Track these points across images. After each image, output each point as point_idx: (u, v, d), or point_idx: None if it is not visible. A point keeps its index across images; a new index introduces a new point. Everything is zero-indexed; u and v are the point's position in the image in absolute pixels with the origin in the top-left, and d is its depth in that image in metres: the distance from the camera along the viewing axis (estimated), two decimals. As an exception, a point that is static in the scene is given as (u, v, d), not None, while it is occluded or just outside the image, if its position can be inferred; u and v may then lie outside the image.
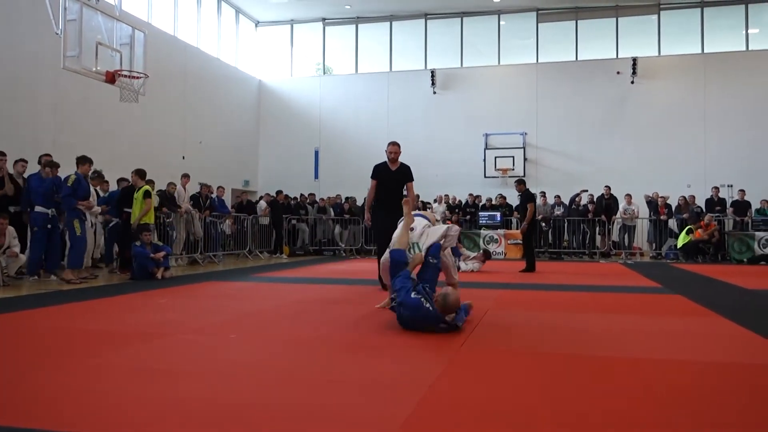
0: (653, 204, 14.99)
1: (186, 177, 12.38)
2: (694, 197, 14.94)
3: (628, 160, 17.02)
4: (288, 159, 19.27)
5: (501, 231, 14.74)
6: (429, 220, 5.42)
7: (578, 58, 17.97)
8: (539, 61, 18.18)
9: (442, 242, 4.94)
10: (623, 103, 17.40)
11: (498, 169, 17.65)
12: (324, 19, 19.46)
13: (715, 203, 14.72)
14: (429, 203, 16.41)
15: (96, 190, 9.72)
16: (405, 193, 7.46)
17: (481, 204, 16.19)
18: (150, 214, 9.07)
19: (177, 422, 2.47)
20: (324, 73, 19.98)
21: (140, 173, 9.27)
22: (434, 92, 18.39)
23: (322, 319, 5.11)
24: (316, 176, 19.08)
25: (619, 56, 17.60)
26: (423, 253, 4.83)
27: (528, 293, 7.27)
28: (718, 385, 3.10)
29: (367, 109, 18.88)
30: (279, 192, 15.46)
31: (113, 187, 10.97)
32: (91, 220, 9.15)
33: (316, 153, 19.18)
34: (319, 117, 19.36)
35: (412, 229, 5.11)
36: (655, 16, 17.65)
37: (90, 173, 8.99)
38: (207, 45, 17.32)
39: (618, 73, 17.32)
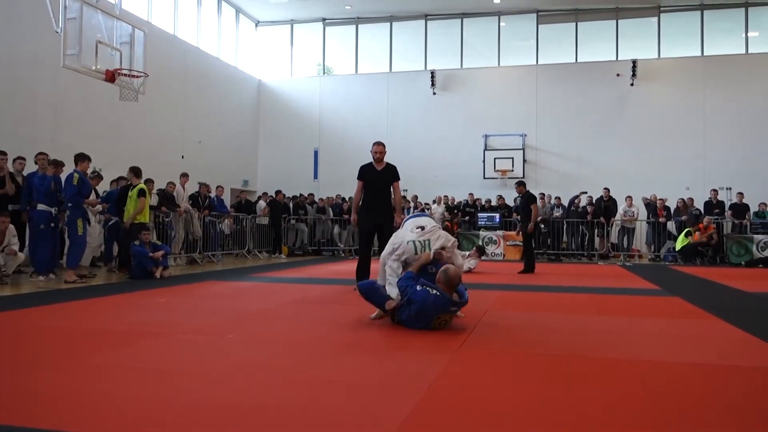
0: (651, 206, 15.00)
1: (185, 176, 12.37)
2: (692, 200, 14.96)
3: (628, 163, 17.04)
4: (287, 159, 19.28)
5: (500, 232, 14.74)
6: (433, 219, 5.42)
7: (578, 60, 17.99)
8: (539, 62, 18.20)
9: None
10: (623, 105, 17.42)
11: (497, 171, 17.66)
12: (324, 19, 19.46)
13: (713, 206, 14.74)
14: (428, 204, 16.43)
15: (95, 189, 9.72)
16: (392, 192, 7.46)
17: (480, 205, 16.19)
18: (145, 212, 9.01)
19: (176, 422, 2.47)
20: (324, 73, 19.99)
21: (136, 171, 9.19)
22: (434, 93, 18.40)
23: (320, 319, 5.10)
24: (316, 176, 19.09)
25: (618, 58, 17.62)
26: (431, 254, 4.78)
27: (527, 294, 7.28)
28: (716, 387, 3.10)
29: (366, 110, 18.89)
30: (278, 192, 15.46)
31: (105, 185, 10.97)
32: (92, 218, 9.15)
33: (316, 153, 19.19)
34: (318, 117, 19.36)
35: (422, 228, 5.00)
36: (655, 19, 17.67)
37: (90, 172, 8.99)
38: (207, 44, 17.32)
39: (618, 75, 17.34)
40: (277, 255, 14.69)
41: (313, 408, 2.65)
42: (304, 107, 19.51)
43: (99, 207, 9.48)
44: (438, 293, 4.33)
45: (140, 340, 4.10)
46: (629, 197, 14.95)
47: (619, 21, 17.81)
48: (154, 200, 11.08)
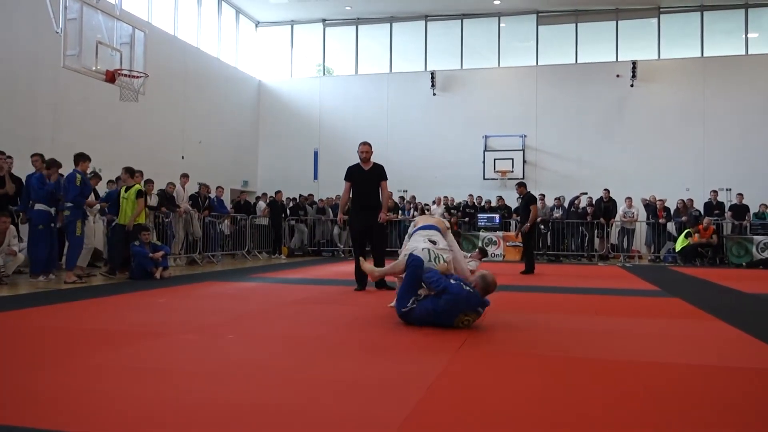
0: (650, 207, 15.01)
1: (185, 177, 12.38)
2: (692, 200, 14.97)
3: (628, 163, 17.05)
4: (287, 159, 19.28)
5: (500, 233, 14.75)
6: (440, 230, 5.23)
7: (578, 61, 17.99)
8: (539, 63, 18.21)
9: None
10: (623, 106, 17.43)
11: (497, 171, 17.66)
12: (324, 20, 19.47)
13: (713, 207, 14.75)
14: (427, 204, 16.43)
15: (95, 189, 9.72)
16: (380, 192, 7.45)
17: (480, 206, 16.20)
18: (142, 213, 8.99)
19: (175, 422, 2.46)
20: (324, 73, 19.99)
21: (130, 171, 9.14)
22: (434, 94, 18.41)
23: (320, 320, 5.10)
24: (316, 177, 19.09)
25: (618, 59, 17.63)
26: (448, 266, 4.77)
27: (527, 295, 7.27)
28: (716, 388, 3.10)
29: (366, 111, 18.89)
30: (278, 192, 15.47)
31: (102, 185, 10.96)
32: (90, 219, 9.14)
33: (316, 154, 19.19)
34: (318, 118, 19.37)
35: (435, 242, 4.94)
36: (655, 20, 17.69)
37: (90, 173, 8.98)
38: (207, 45, 17.33)
39: (618, 76, 17.35)
40: (276, 255, 14.70)
41: (312, 408, 2.65)
42: (304, 108, 19.52)
43: (98, 206, 9.46)
44: (471, 290, 4.47)
45: (140, 341, 4.10)
46: (629, 198, 14.96)
47: (619, 22, 17.82)
48: (154, 201, 11.09)
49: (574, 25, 18.07)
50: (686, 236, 13.70)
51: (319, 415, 2.54)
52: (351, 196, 7.46)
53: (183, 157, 15.38)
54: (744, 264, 13.29)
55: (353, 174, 7.38)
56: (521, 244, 11.49)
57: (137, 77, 9.09)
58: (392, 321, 4.89)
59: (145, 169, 11.62)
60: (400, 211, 16.06)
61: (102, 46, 8.48)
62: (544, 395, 2.89)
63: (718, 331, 4.82)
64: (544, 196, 15.56)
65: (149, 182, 11.06)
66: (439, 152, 18.14)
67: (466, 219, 15.72)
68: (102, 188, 11.00)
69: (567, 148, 17.66)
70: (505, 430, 2.42)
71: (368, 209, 7.32)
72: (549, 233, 15.07)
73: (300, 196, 16.63)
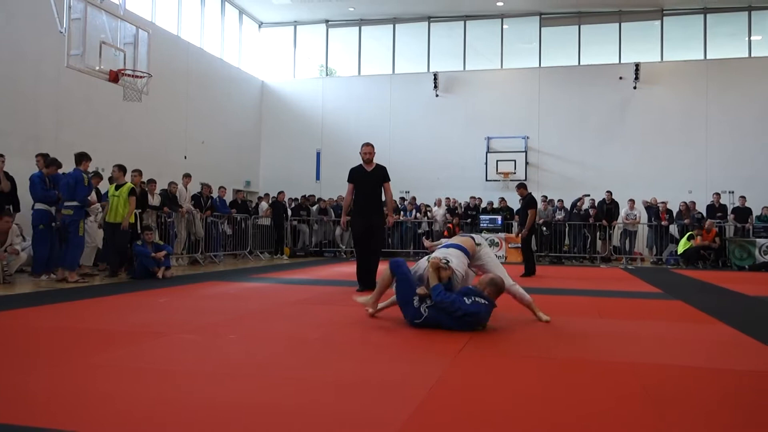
0: (652, 209, 14.99)
1: (187, 177, 12.40)
2: (695, 203, 14.94)
3: (630, 165, 17.03)
4: (290, 160, 19.29)
5: (502, 234, 14.75)
6: (464, 249, 4.96)
7: (581, 63, 17.97)
8: (542, 65, 18.19)
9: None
10: (625, 108, 17.41)
11: (500, 173, 17.65)
12: (327, 21, 19.48)
13: (716, 209, 14.72)
14: (428, 206, 16.43)
15: (97, 189, 9.72)
16: (383, 195, 7.43)
17: (482, 207, 16.19)
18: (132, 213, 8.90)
19: (176, 422, 2.47)
20: (327, 74, 20.00)
21: (123, 168, 9.08)
22: (437, 95, 18.41)
23: (322, 320, 5.10)
24: (318, 178, 19.10)
25: (621, 61, 17.61)
26: (446, 273, 4.65)
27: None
28: (718, 391, 3.09)
29: (369, 112, 18.90)
30: (280, 193, 15.49)
31: (103, 184, 10.95)
32: (93, 218, 9.15)
33: (318, 154, 19.20)
34: (321, 118, 19.38)
35: (448, 261, 4.70)
36: (658, 22, 17.66)
37: (91, 172, 8.98)
38: (210, 45, 17.35)
39: (620, 78, 17.32)
40: (278, 256, 14.71)
41: (314, 408, 2.65)
42: (307, 108, 19.53)
43: (98, 206, 9.46)
44: (487, 302, 4.50)
45: (142, 340, 4.10)
46: (631, 200, 14.94)
47: (622, 24, 17.80)
48: (156, 200, 11.11)
49: (577, 26, 18.05)
50: (689, 239, 13.67)
51: (321, 416, 2.55)
52: (354, 197, 7.43)
53: (186, 157, 15.40)
54: (746, 267, 13.27)
55: (356, 175, 7.35)
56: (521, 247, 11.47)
57: (140, 77, 9.10)
58: (394, 322, 4.89)
59: (148, 169, 11.65)
60: (401, 213, 16.06)
61: (105, 46, 8.50)
62: (546, 397, 2.89)
63: (720, 333, 4.81)
64: (546, 197, 15.56)
65: (152, 182, 11.08)
66: (441, 153, 18.13)
67: (468, 220, 15.71)
68: (105, 187, 11.02)
69: (569, 149, 17.65)
70: (507, 431, 2.42)
71: (371, 211, 7.30)
72: (551, 235, 15.06)
73: (302, 197, 16.65)
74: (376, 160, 7.49)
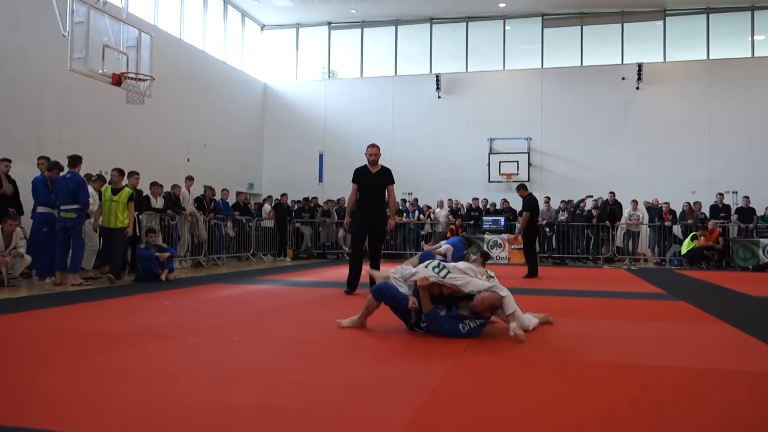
0: (654, 210, 14.97)
1: (190, 179, 12.42)
2: (700, 204, 14.90)
3: (633, 166, 17.00)
4: (292, 162, 19.31)
5: (505, 236, 14.75)
6: (471, 271, 4.69)
7: (583, 64, 17.96)
8: (544, 66, 18.18)
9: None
10: (628, 108, 17.38)
11: (502, 174, 17.64)
12: (329, 23, 19.51)
13: (719, 210, 14.68)
14: (430, 207, 16.42)
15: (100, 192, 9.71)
16: (386, 197, 7.39)
17: (485, 208, 16.19)
18: (127, 216, 8.66)
19: (180, 424, 2.47)
20: (329, 76, 20.03)
21: (121, 172, 8.84)
22: (439, 97, 18.41)
23: (325, 323, 5.10)
24: (321, 179, 19.11)
25: (624, 62, 17.59)
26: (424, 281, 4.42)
27: (530, 298, 7.25)
28: (721, 392, 3.09)
29: (371, 113, 18.91)
30: (283, 195, 15.51)
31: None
32: (91, 221, 9.14)
33: (321, 156, 19.22)
34: (323, 120, 19.39)
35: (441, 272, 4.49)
36: (660, 22, 17.64)
37: (95, 175, 8.99)
38: (213, 48, 17.38)
39: (623, 78, 17.30)
40: (282, 258, 14.72)
41: (316, 410, 2.65)
42: (310, 110, 19.55)
43: (94, 209, 9.44)
44: (481, 322, 4.36)
45: (146, 342, 4.12)
46: (634, 201, 14.91)
47: (625, 24, 17.78)
48: (160, 203, 11.13)
49: (579, 27, 18.03)
50: (692, 239, 13.64)
51: (323, 418, 2.55)
52: (357, 198, 7.42)
53: (188, 160, 15.43)
54: (750, 267, 13.24)
55: (361, 176, 7.34)
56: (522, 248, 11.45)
57: (143, 80, 9.12)
58: (396, 324, 4.90)
59: (151, 172, 11.69)
60: (404, 214, 16.06)
61: (108, 49, 8.52)
62: (548, 398, 2.89)
63: (724, 334, 4.80)
64: (549, 198, 15.55)
65: (155, 185, 11.08)
66: (443, 155, 18.13)
67: (471, 222, 15.71)
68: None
69: (572, 150, 17.63)
70: (509, 433, 2.42)
71: (374, 212, 7.28)
72: (554, 236, 15.05)
73: (304, 199, 16.67)
74: (381, 160, 7.48)
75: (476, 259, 10.39)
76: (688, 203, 14.81)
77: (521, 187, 10.72)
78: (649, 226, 14.94)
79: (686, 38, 17.69)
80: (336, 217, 16.17)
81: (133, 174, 9.71)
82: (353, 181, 7.37)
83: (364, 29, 19.36)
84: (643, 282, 9.63)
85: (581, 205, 15.19)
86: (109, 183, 8.85)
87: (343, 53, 19.89)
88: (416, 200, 16.60)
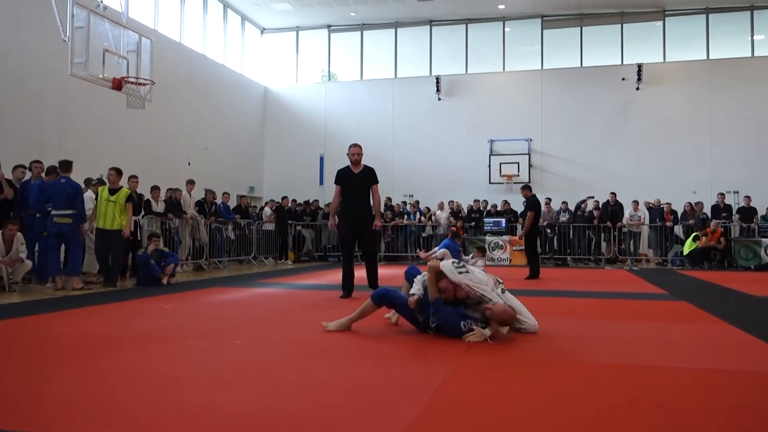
0: (655, 210, 14.96)
1: (191, 183, 12.43)
2: (702, 204, 14.88)
3: (634, 167, 17.00)
4: (293, 165, 19.32)
5: (506, 237, 14.75)
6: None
7: (583, 65, 17.97)
8: (544, 67, 18.19)
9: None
10: (628, 109, 17.39)
11: (503, 176, 17.64)
12: (329, 26, 19.54)
13: (721, 210, 14.67)
14: (430, 209, 16.40)
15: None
16: (371, 197, 7.30)
17: (486, 210, 16.18)
18: (124, 217, 8.56)
19: (181, 427, 2.47)
20: (329, 79, 20.05)
21: (119, 172, 8.71)
22: (439, 98, 18.43)
23: (326, 325, 5.10)
24: (321, 182, 19.11)
25: (624, 62, 17.59)
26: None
27: (532, 299, 7.22)
28: (723, 392, 3.08)
29: (371, 116, 18.93)
30: (284, 198, 15.51)
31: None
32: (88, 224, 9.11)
33: (321, 159, 19.23)
34: (324, 123, 19.41)
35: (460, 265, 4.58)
36: (660, 23, 17.65)
37: (95, 179, 8.98)
38: (213, 52, 17.41)
39: (623, 79, 17.31)
40: (283, 261, 14.72)
41: (318, 413, 2.65)
42: (310, 113, 19.57)
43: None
44: (482, 326, 4.30)
45: (147, 346, 4.12)
46: (635, 201, 14.90)
47: (624, 25, 17.79)
48: (160, 207, 11.14)
49: (579, 28, 18.05)
50: (694, 239, 13.63)
51: (324, 420, 2.55)
52: (341, 199, 7.33)
53: (189, 164, 15.45)
54: (752, 267, 13.22)
55: (343, 177, 7.24)
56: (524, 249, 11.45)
57: (144, 84, 9.13)
58: (398, 327, 4.90)
59: (152, 176, 11.70)
60: (405, 216, 16.05)
61: (109, 53, 8.53)
62: (549, 399, 2.88)
63: (726, 334, 4.79)
64: (550, 199, 15.54)
65: (155, 189, 11.10)
66: (444, 157, 18.13)
67: (473, 224, 15.70)
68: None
69: (573, 151, 17.63)
70: (511, 434, 2.42)
71: (359, 214, 7.12)
72: (555, 237, 15.03)
73: (305, 202, 16.68)
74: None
75: (475, 254, 10.44)
76: (690, 203, 14.79)
77: (526, 188, 10.73)
78: (650, 227, 14.93)
79: (686, 38, 17.70)
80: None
81: (132, 178, 9.71)
82: (335, 182, 7.26)
83: (364, 32, 19.39)
84: (644, 282, 9.62)
85: (582, 205, 15.18)
86: (105, 180, 8.76)
87: (343, 56, 19.91)
88: (417, 202, 16.59)
